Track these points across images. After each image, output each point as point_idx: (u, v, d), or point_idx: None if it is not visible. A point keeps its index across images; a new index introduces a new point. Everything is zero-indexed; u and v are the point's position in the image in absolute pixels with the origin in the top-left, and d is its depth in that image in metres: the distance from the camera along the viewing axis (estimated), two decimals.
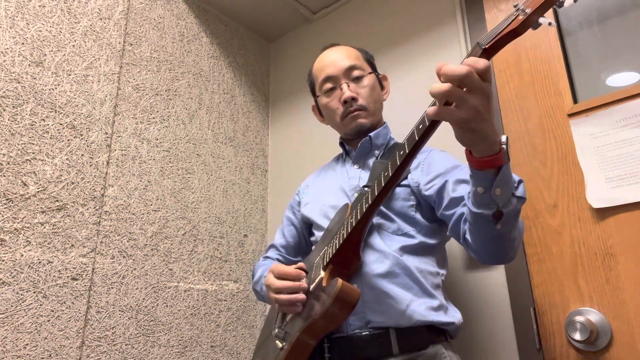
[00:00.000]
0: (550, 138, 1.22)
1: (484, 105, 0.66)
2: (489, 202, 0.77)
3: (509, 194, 0.76)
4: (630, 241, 1.06)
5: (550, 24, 0.65)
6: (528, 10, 0.65)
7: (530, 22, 0.66)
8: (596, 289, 1.08)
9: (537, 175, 1.23)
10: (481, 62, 0.65)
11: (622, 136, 1.10)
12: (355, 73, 1.15)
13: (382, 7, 1.74)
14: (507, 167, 0.75)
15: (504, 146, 0.72)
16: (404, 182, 1.06)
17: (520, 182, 0.83)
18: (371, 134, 1.14)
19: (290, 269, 0.97)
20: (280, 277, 0.97)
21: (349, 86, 1.13)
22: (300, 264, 1.01)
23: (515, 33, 0.67)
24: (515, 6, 0.67)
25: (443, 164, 1.04)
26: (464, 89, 0.65)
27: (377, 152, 1.15)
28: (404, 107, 1.43)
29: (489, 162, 0.74)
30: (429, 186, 1.02)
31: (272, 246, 1.32)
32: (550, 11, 1.30)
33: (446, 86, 0.65)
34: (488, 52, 0.68)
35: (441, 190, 1.00)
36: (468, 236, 0.89)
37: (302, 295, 0.93)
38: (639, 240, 1.05)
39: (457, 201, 0.94)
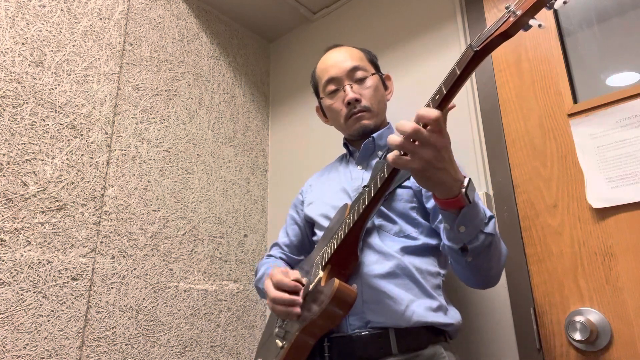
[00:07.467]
0: (550, 138, 1.22)
1: (435, 157, 0.71)
2: (455, 237, 0.82)
3: (475, 231, 0.81)
4: (630, 241, 1.06)
5: (540, 25, 0.66)
6: (519, 12, 0.65)
7: (521, 23, 0.67)
8: (596, 289, 1.08)
9: (537, 175, 1.23)
10: (432, 114, 0.70)
11: (622, 136, 1.10)
12: (359, 74, 1.15)
13: (382, 7, 1.74)
14: (471, 207, 0.78)
15: (463, 190, 0.76)
16: (406, 184, 1.06)
17: (491, 218, 0.86)
18: (374, 135, 1.14)
19: (287, 280, 0.97)
20: (277, 287, 0.98)
21: (352, 87, 1.13)
22: (298, 277, 0.99)
23: (506, 35, 0.68)
24: (506, 8, 0.67)
25: None
26: (416, 142, 0.70)
27: (380, 152, 1.15)
28: (403, 107, 1.43)
29: (449, 204, 0.79)
30: (427, 195, 1.04)
31: (276, 244, 1.32)
32: (550, 12, 1.30)
33: (398, 139, 0.72)
34: (480, 54, 0.69)
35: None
36: (450, 261, 0.94)
37: (297, 309, 0.93)
38: (639, 240, 1.05)
39: None
